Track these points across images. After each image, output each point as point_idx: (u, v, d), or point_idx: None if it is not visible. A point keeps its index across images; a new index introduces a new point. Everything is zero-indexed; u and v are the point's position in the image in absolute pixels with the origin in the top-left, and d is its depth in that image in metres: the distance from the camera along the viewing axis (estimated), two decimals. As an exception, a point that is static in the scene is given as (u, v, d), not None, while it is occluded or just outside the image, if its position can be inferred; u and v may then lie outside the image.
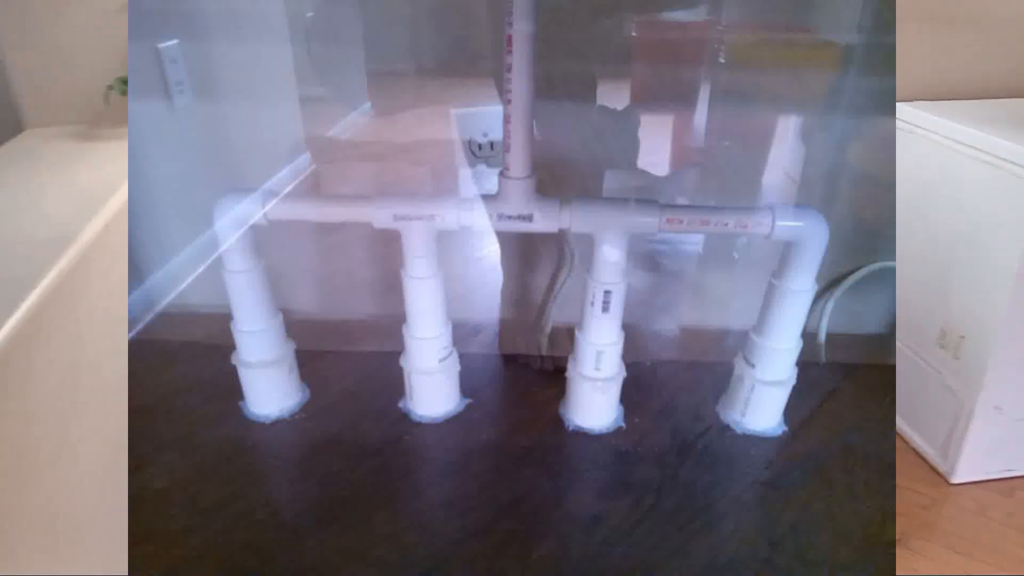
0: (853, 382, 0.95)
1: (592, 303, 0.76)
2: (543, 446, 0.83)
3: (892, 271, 0.99)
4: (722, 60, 1.07)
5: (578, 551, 0.69)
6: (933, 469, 0.98)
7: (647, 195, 0.75)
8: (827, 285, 1.00)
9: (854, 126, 0.98)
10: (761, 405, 0.84)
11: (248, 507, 0.74)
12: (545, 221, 0.72)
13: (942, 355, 0.95)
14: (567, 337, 0.84)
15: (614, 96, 1.01)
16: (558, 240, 0.91)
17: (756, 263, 1.00)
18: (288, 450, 0.83)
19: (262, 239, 0.78)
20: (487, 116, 1.33)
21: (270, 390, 0.86)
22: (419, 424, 0.86)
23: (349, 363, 0.96)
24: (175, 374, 0.94)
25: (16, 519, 0.56)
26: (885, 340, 1.03)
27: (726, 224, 0.72)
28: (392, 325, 0.83)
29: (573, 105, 0.90)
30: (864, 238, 1.01)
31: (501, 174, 0.71)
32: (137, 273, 1.05)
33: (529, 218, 0.72)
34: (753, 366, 0.82)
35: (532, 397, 0.91)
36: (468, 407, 0.88)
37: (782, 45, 1.05)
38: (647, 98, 1.17)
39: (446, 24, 1.30)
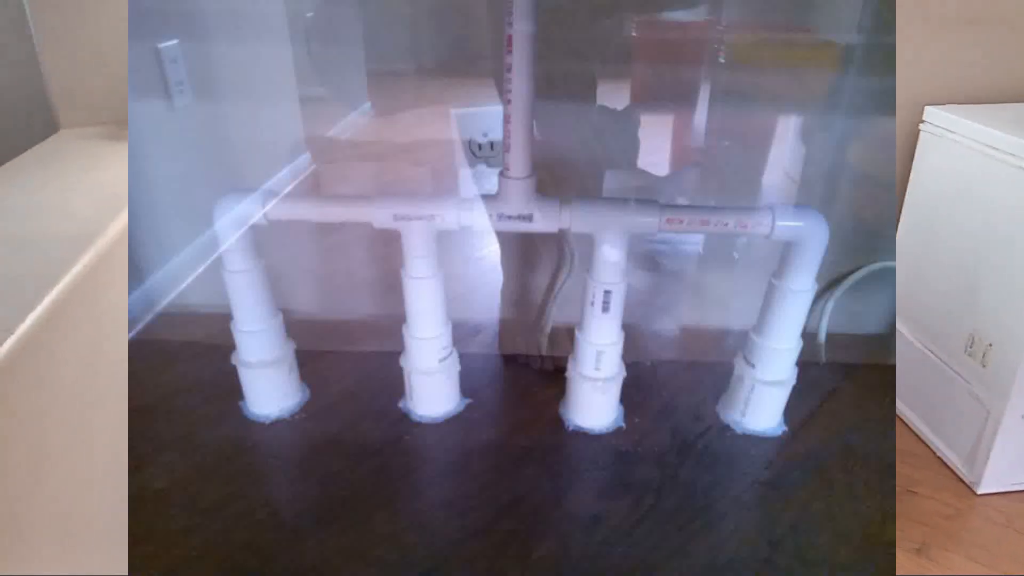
0: (853, 382, 0.95)
1: (592, 303, 0.76)
2: (543, 446, 0.83)
3: (892, 271, 0.99)
4: (722, 60, 1.07)
5: (578, 551, 0.69)
6: (959, 479, 0.97)
7: (647, 195, 0.75)
8: (827, 285, 1.00)
9: (854, 126, 0.98)
10: (761, 405, 0.84)
11: (248, 507, 0.74)
12: (545, 221, 0.72)
13: (969, 363, 0.93)
14: (567, 337, 0.84)
15: (614, 96, 1.01)
16: (558, 240, 0.91)
17: (756, 263, 1.00)
18: (288, 450, 0.83)
19: (262, 239, 0.78)
20: (487, 116, 1.33)
21: (270, 390, 0.86)
22: (419, 424, 0.86)
23: (349, 363, 0.96)
24: (175, 374, 0.94)
25: (16, 519, 0.56)
26: (885, 340, 1.03)
27: (726, 224, 0.72)
28: (392, 325, 0.83)
29: (573, 105, 0.90)
30: (864, 238, 1.01)
31: (501, 174, 0.71)
32: (137, 273, 1.05)
33: (529, 218, 0.72)
34: (753, 366, 0.82)
35: (532, 397, 0.91)
36: (468, 407, 0.88)
37: (782, 45, 1.05)
38: (647, 98, 1.17)
39: (446, 24, 1.30)
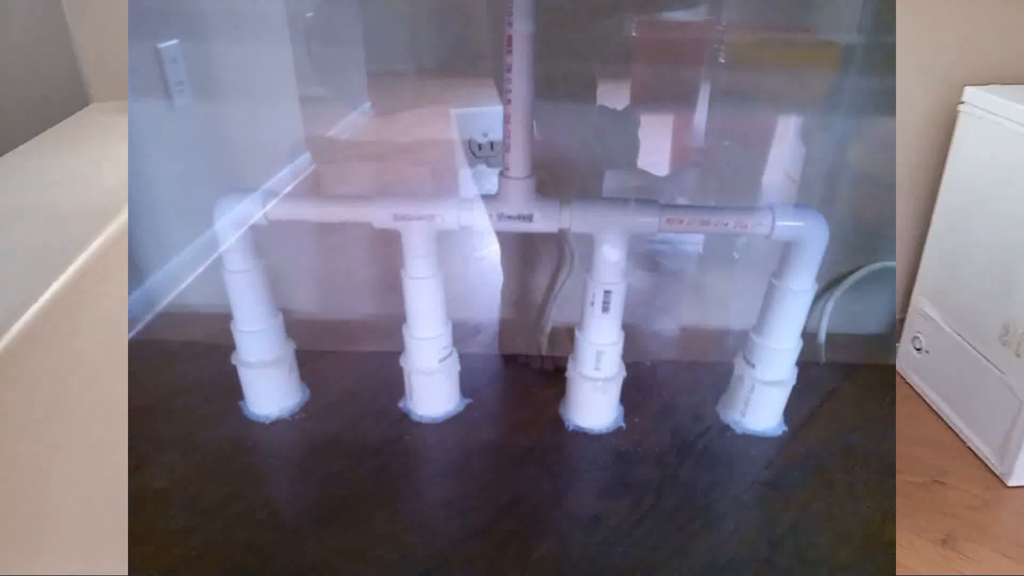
0: (853, 382, 0.95)
1: (592, 303, 0.76)
2: (543, 446, 0.83)
3: (892, 271, 0.99)
4: (722, 60, 1.07)
5: (578, 551, 0.69)
6: (989, 470, 0.95)
7: (647, 195, 0.74)
8: (827, 285, 1.00)
9: (854, 126, 0.98)
10: (761, 405, 0.84)
11: (248, 507, 0.74)
12: (545, 221, 0.72)
13: (1003, 352, 0.91)
14: (567, 337, 0.84)
15: (614, 96, 1.01)
16: (558, 240, 0.91)
17: (756, 263, 1.00)
18: (288, 450, 0.83)
19: (262, 239, 0.78)
20: (487, 116, 1.33)
21: (270, 390, 0.86)
22: (419, 424, 0.86)
23: (349, 363, 0.96)
24: (175, 374, 0.94)
25: (16, 519, 0.56)
26: (885, 340, 1.03)
27: (726, 224, 0.72)
28: (392, 325, 0.83)
29: (573, 105, 0.90)
30: (864, 238, 1.01)
31: (501, 174, 0.71)
32: (137, 273, 1.05)
33: (529, 218, 0.72)
34: (753, 366, 0.82)
35: (532, 397, 0.91)
36: (468, 407, 0.88)
37: (782, 45, 1.05)
38: (647, 98, 1.17)
39: (446, 24, 1.30)
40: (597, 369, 0.80)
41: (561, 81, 0.85)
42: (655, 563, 0.68)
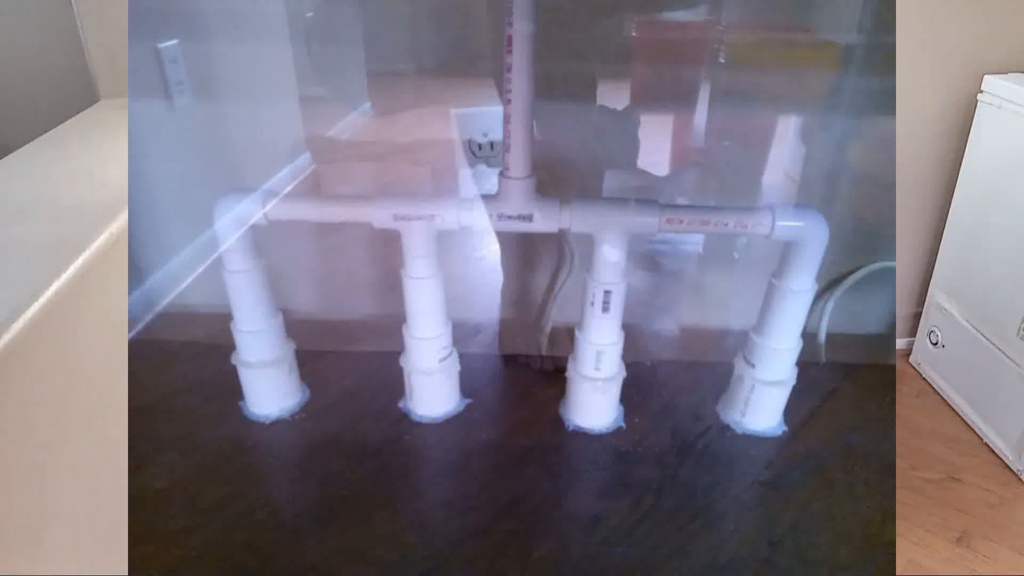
0: (853, 382, 0.95)
1: (592, 303, 0.76)
2: (543, 446, 0.83)
3: (892, 271, 0.99)
4: (722, 60, 1.07)
5: (578, 551, 0.69)
6: (1005, 466, 0.94)
7: (647, 195, 0.74)
8: (827, 285, 1.00)
9: (854, 126, 0.98)
10: (761, 405, 0.84)
11: (248, 507, 0.74)
12: (545, 221, 0.72)
13: (1022, 347, 0.90)
14: (567, 337, 0.84)
15: (614, 96, 1.01)
16: (558, 240, 0.91)
17: (756, 263, 1.00)
18: (288, 450, 0.83)
19: (262, 239, 0.78)
20: (487, 116, 1.33)
21: (270, 390, 0.86)
22: (419, 424, 0.86)
23: (349, 363, 0.96)
24: (175, 374, 0.94)
25: (16, 519, 0.56)
26: (885, 340, 1.03)
27: (726, 224, 0.72)
28: (392, 325, 0.83)
29: (573, 105, 0.90)
30: (864, 238, 1.01)
31: (501, 174, 0.71)
32: (137, 273, 1.05)
33: (529, 218, 0.72)
34: (753, 366, 0.82)
35: (532, 397, 0.91)
36: (468, 407, 0.88)
37: (782, 45, 1.05)
38: (647, 98, 1.17)
39: (446, 24, 1.30)
40: (597, 369, 0.80)
41: (561, 81, 0.85)
42: (655, 563, 0.68)
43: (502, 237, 0.99)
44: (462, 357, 0.86)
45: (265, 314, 0.82)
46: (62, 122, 0.88)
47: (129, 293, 0.94)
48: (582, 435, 0.84)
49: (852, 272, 1.00)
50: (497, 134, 0.70)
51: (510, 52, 0.63)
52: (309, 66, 1.27)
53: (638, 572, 0.67)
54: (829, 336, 1.00)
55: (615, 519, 0.73)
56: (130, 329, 1.00)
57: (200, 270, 1.08)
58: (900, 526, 0.79)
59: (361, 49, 1.30)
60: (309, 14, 1.26)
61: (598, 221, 0.73)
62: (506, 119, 0.67)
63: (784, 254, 0.75)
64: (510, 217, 0.72)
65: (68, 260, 0.60)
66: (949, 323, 1.10)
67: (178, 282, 1.09)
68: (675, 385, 0.93)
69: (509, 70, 0.64)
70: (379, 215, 0.73)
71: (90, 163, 0.77)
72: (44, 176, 0.74)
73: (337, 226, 1.11)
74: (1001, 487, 0.92)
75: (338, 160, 1.39)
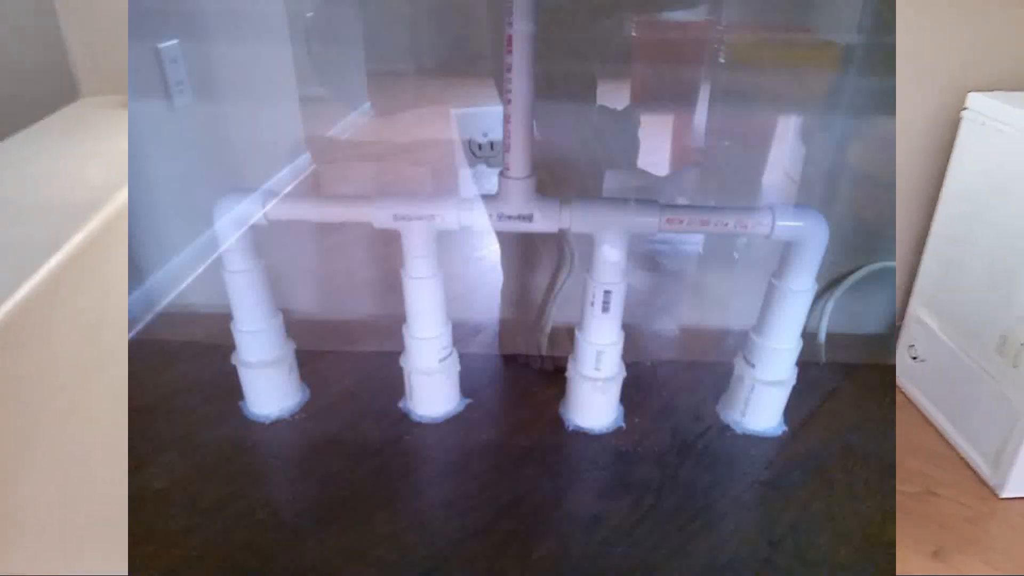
0: (853, 382, 0.95)
1: (592, 303, 0.76)
2: (543, 446, 0.83)
3: (892, 271, 0.99)
4: (722, 60, 1.07)
5: (578, 551, 0.69)
6: (982, 481, 0.94)
7: (647, 195, 0.74)
8: (827, 285, 1.00)
9: (854, 126, 0.98)
10: (761, 405, 0.84)
11: (248, 507, 0.74)
12: (545, 221, 0.72)
13: (1000, 362, 0.90)
14: (567, 337, 0.84)
15: (614, 96, 1.01)
16: (558, 240, 0.91)
17: (756, 263, 1.00)
18: (288, 450, 0.83)
19: (262, 239, 0.78)
20: (487, 116, 1.33)
21: (270, 390, 0.86)
22: (419, 424, 0.86)
23: (349, 363, 0.96)
24: (175, 374, 0.94)
25: (16, 519, 0.56)
26: (885, 340, 1.03)
27: (726, 224, 0.72)
28: (392, 325, 0.83)
29: (573, 105, 0.90)
30: (864, 238, 1.01)
31: (501, 174, 0.71)
32: (137, 273, 1.05)
33: (529, 218, 0.72)
34: (753, 366, 0.82)
35: (532, 397, 0.91)
36: (468, 407, 0.88)
37: (782, 45, 1.05)
38: (647, 98, 1.17)
39: (446, 24, 1.30)
40: (597, 369, 0.81)
41: (561, 81, 0.85)
42: (655, 563, 0.68)
43: (502, 237, 0.99)
44: (462, 357, 0.86)
45: (265, 314, 0.82)
46: (41, 119, 0.87)
47: (129, 293, 0.94)
48: (582, 435, 0.84)
49: (852, 272, 1.00)
50: (497, 134, 0.70)
51: (510, 52, 0.63)
52: (309, 66, 1.28)
53: (638, 572, 0.67)
54: (829, 336, 1.00)
55: (615, 519, 0.73)
56: (130, 329, 1.00)
57: (200, 270, 1.08)
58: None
59: (361, 49, 1.30)
60: (309, 14, 1.27)
61: (598, 221, 0.73)
62: (506, 119, 0.67)
63: (784, 254, 0.75)
64: (510, 217, 0.72)
65: (55, 258, 0.59)
66: (928, 337, 1.10)
67: (178, 282, 1.09)
68: (675, 385, 0.93)
69: (509, 70, 0.64)
70: (379, 215, 0.73)
71: (71, 161, 0.76)
72: (23, 174, 0.73)
73: (337, 226, 1.11)
74: (978, 502, 0.92)
75: (338, 160, 1.39)
